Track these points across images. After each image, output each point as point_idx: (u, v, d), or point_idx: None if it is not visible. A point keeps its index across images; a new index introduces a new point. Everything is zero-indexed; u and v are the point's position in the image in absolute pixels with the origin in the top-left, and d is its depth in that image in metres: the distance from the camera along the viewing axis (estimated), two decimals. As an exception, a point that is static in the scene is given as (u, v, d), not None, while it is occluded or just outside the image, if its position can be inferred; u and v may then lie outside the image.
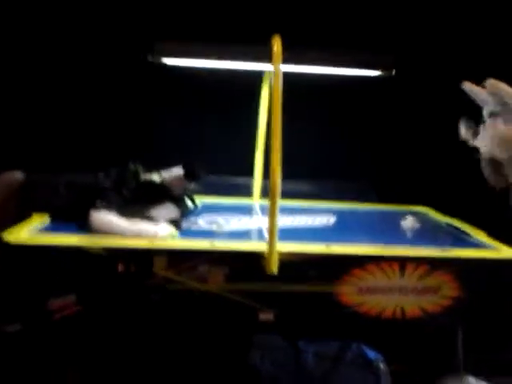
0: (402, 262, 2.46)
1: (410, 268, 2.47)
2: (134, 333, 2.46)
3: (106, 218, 2.45)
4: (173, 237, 2.48)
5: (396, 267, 2.47)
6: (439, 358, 2.57)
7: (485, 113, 2.60)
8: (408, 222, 2.88)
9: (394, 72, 2.67)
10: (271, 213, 2.26)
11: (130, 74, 3.41)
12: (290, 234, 2.56)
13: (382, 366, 2.31)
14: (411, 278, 2.48)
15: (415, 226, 2.86)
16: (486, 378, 2.31)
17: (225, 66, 2.79)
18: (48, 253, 2.38)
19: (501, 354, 2.75)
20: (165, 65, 2.74)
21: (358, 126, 3.51)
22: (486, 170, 2.62)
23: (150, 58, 2.66)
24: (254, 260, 2.36)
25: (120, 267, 2.45)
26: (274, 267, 2.32)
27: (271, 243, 2.29)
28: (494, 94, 2.46)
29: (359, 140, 3.51)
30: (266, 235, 2.32)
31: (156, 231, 2.45)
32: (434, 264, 2.48)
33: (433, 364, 2.52)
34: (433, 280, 2.49)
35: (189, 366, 2.53)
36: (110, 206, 2.52)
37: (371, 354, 2.36)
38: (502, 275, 2.53)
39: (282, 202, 2.31)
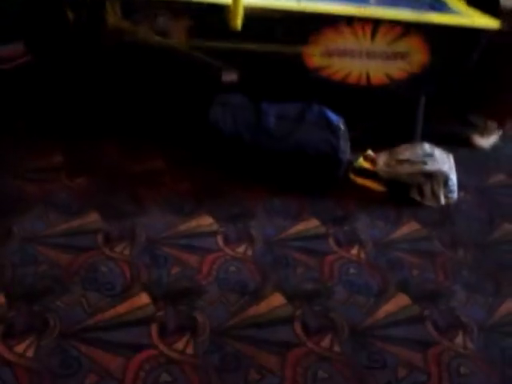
0: (376, 23, 2.32)
1: (382, 31, 2.33)
2: (88, 84, 2.34)
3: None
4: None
5: (368, 29, 2.33)
6: (399, 126, 2.62)
7: None
8: None
9: None
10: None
11: None
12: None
13: (342, 127, 2.33)
14: (382, 42, 2.36)
15: None
16: (439, 146, 2.40)
17: None
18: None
19: (456, 126, 2.85)
20: None
21: None
22: None
23: None
24: (217, 13, 2.17)
25: (70, 15, 2.21)
26: (237, 22, 2.14)
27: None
28: None
29: None
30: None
31: None
32: (407, 27, 2.35)
33: (392, 132, 2.57)
34: (403, 45, 2.38)
35: (149, 121, 2.49)
36: None
37: (332, 116, 2.36)
38: (472, 43, 2.45)
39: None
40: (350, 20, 2.30)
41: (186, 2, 2.18)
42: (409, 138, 2.53)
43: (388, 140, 2.47)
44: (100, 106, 2.40)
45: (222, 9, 2.15)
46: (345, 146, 2.30)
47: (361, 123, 2.50)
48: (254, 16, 2.18)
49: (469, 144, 2.77)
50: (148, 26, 2.24)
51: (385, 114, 2.64)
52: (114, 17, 2.20)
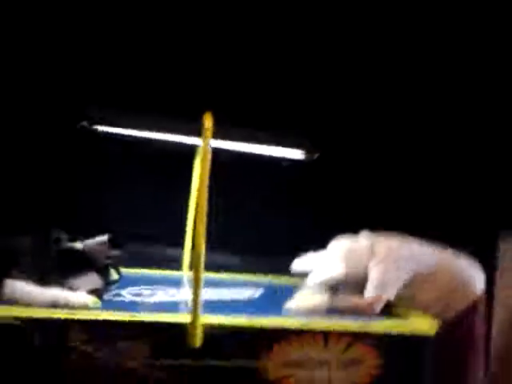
0: (325, 334, 2.42)
1: (332, 340, 2.42)
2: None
3: (20, 288, 2.34)
4: (95, 306, 2.39)
5: (319, 340, 2.41)
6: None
7: None
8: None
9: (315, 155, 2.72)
10: (195, 284, 2.23)
11: (59, 138, 3.31)
12: (216, 307, 2.53)
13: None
14: (335, 351, 2.41)
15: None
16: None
17: (158, 137, 2.78)
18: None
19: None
20: (95, 130, 2.63)
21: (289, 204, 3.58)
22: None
23: (82, 124, 2.56)
24: (177, 333, 2.30)
25: (36, 340, 2.31)
26: (196, 340, 2.27)
27: (194, 316, 2.24)
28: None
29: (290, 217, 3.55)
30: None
31: (75, 300, 2.36)
32: (354, 336, 2.44)
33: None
34: (355, 352, 2.44)
35: None
36: (26, 274, 2.41)
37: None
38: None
39: (209, 275, 2.29)
40: (299, 332, 2.42)
41: (145, 324, 2.31)
42: None
43: None
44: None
45: (181, 329, 2.27)
46: None
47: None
48: (211, 333, 2.30)
49: None
50: (109, 351, 2.31)
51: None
52: (76, 342, 2.29)
